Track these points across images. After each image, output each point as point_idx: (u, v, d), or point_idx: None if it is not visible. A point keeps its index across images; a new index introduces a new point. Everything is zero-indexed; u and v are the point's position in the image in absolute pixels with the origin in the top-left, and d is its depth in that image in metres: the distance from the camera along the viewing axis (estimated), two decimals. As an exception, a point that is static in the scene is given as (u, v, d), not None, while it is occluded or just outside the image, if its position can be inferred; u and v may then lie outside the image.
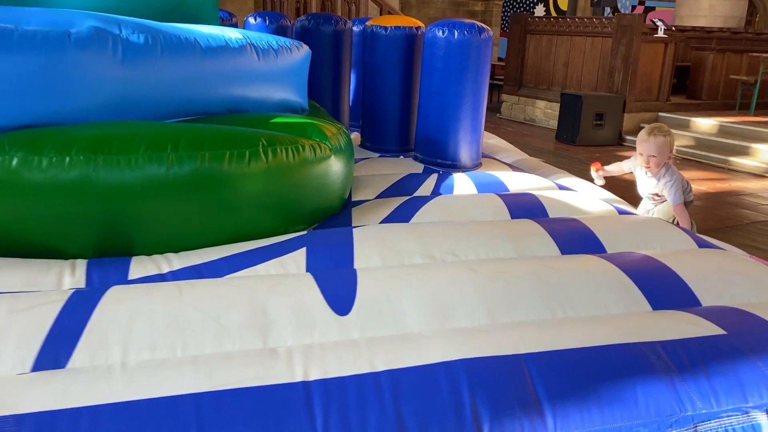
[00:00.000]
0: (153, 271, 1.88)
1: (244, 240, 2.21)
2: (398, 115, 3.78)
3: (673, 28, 8.61)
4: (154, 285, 1.71)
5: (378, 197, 2.89)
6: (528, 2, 16.27)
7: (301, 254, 2.02)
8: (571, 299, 1.81)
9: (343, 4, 7.59)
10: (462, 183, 3.09)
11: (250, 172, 2.15)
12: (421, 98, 3.53)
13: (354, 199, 2.87)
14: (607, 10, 12.92)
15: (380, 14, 7.91)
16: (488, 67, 3.44)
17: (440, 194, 2.96)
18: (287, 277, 1.81)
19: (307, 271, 1.97)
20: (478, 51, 3.34)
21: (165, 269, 1.90)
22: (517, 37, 9.87)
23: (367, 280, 1.78)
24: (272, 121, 2.52)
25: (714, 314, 1.73)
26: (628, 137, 7.97)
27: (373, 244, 2.11)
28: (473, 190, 3.04)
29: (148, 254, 2.05)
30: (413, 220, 2.52)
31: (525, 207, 2.71)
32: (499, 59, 14.22)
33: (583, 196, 2.94)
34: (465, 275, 1.84)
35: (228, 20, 4.34)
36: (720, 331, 1.61)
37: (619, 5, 14.47)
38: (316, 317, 1.60)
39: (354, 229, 2.20)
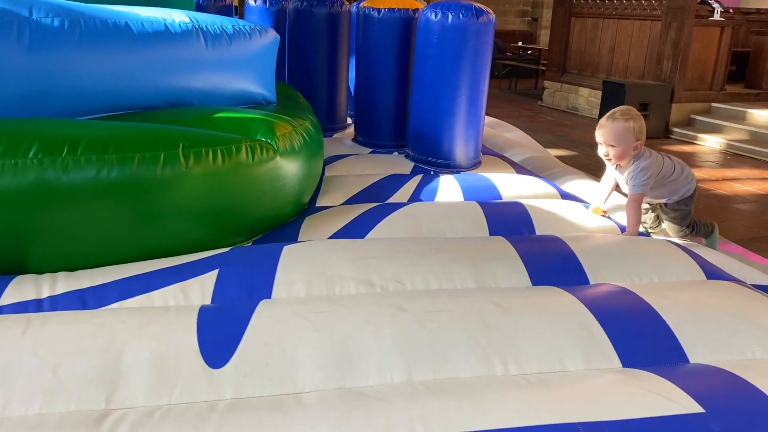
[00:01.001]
0: (30, 296, 1.61)
1: (169, 254, 1.93)
2: (392, 107, 3.42)
3: (731, 11, 7.88)
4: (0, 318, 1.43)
5: (345, 203, 2.56)
6: (582, -17, 15.44)
7: (210, 278, 1.72)
8: (518, 350, 1.45)
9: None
10: (447, 187, 2.73)
11: (165, 177, 1.86)
12: (414, 89, 3.16)
13: (319, 204, 2.56)
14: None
15: None
16: (488, 54, 3.05)
17: (419, 200, 2.61)
18: (166, 312, 1.51)
19: (212, 299, 1.67)
20: (476, 36, 2.95)
21: (45, 293, 1.63)
22: (561, 20, 9.27)
23: (261, 319, 1.46)
24: (213, 116, 2.22)
25: (695, 380, 1.35)
26: (676, 129, 7.35)
27: (301, 266, 1.79)
28: (458, 196, 2.67)
29: (46, 271, 1.79)
30: (372, 233, 2.18)
31: (508, 221, 2.33)
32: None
33: (581, 209, 2.53)
34: (387, 315, 1.50)
35: (221, 1, 4.05)
36: (695, 408, 1.23)
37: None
38: (181, 370, 1.30)
39: (284, 247, 1.88)
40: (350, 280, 1.75)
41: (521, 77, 12.12)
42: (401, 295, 1.65)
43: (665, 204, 2.64)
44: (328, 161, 3.11)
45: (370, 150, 3.46)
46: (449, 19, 2.91)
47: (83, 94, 2.09)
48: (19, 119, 1.88)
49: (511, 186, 2.81)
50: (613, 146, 2.39)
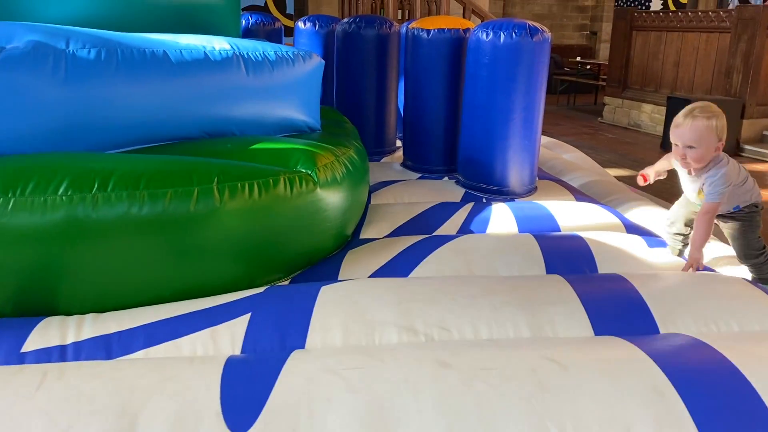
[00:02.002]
0: (54, 342, 1.53)
1: (203, 294, 1.83)
2: (442, 130, 3.28)
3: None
4: (17, 369, 1.35)
5: (391, 234, 2.42)
6: (644, -5, 15.03)
7: (241, 323, 1.61)
8: (577, 417, 1.27)
9: (422, 3, 7.13)
10: (500, 217, 2.56)
11: (199, 213, 1.76)
12: (464, 112, 3.01)
13: (363, 235, 2.43)
14: (734, 0, 11.57)
15: (463, 13, 7.38)
16: (544, 75, 2.87)
17: (469, 232, 2.45)
18: (191, 364, 1.39)
19: (243, 347, 1.55)
20: (530, 56, 2.78)
21: (70, 339, 1.55)
22: (622, 34, 8.94)
23: (291, 375, 1.33)
24: (252, 147, 2.12)
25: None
26: (747, 146, 6.93)
27: (338, 310, 1.66)
28: (512, 227, 2.50)
29: (76, 312, 1.72)
30: (417, 270, 2.03)
31: (567, 257, 2.14)
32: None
33: (646, 244, 2.31)
34: (429, 373, 1.34)
35: (270, 24, 4.01)
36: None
37: (749, -5, 12.97)
38: (199, 434, 1.18)
39: (322, 288, 1.76)
40: (391, 327, 1.61)
41: (580, 93, 11.79)
42: (446, 347, 1.49)
43: (731, 215, 2.33)
44: (374, 188, 3.00)
45: (419, 175, 3.32)
46: (501, 39, 2.75)
47: (120, 126, 2.03)
48: (51, 154, 1.83)
49: (569, 215, 2.61)
50: (692, 147, 2.13)
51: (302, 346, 1.56)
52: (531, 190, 3.04)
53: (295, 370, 1.36)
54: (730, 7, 8.45)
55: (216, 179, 1.80)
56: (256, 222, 1.89)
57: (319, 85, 2.66)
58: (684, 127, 2.13)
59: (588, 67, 12.50)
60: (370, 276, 2.00)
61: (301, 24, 4.22)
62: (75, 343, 1.53)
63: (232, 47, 2.27)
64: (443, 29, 3.13)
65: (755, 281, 2.24)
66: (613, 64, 9.26)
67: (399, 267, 2.04)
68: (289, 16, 12.78)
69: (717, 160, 2.19)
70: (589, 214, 2.66)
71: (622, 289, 1.81)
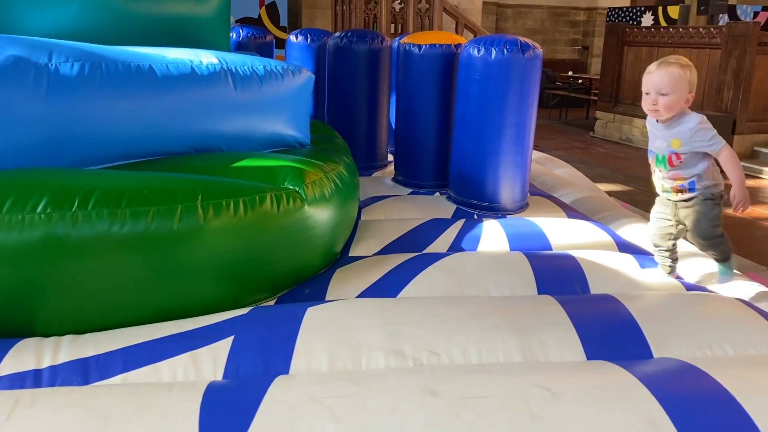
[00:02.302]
0: (29, 365, 1.48)
1: (185, 314, 1.78)
2: (434, 146, 3.25)
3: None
4: (-12, 399, 1.30)
5: (380, 252, 2.38)
6: (636, 11, 15.16)
7: (224, 347, 1.56)
8: (570, 449, 1.22)
9: (415, 17, 7.13)
10: (491, 234, 2.52)
11: (182, 232, 1.72)
12: (456, 128, 2.99)
13: (353, 253, 2.39)
14: (724, 17, 11.65)
15: (456, 28, 7.39)
16: (535, 91, 2.85)
17: (460, 249, 2.41)
18: (169, 391, 1.34)
19: (225, 372, 1.50)
20: (522, 72, 2.76)
21: (46, 362, 1.49)
22: (614, 50, 8.98)
23: (273, 404, 1.29)
24: (239, 163, 2.08)
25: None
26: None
27: (324, 333, 1.61)
28: (503, 245, 2.46)
29: (54, 333, 1.67)
30: (406, 290, 1.99)
31: (558, 276, 2.11)
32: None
33: (638, 263, 2.28)
34: (416, 402, 1.30)
35: (261, 37, 3.99)
36: None
37: (738, 12, 13.07)
38: (176, 468, 1.13)
39: (308, 309, 1.71)
40: (379, 351, 1.57)
41: (572, 107, 11.81)
42: (435, 373, 1.45)
43: (690, 196, 2.14)
44: (365, 203, 2.96)
45: (410, 190, 3.29)
46: (493, 55, 2.73)
47: (104, 141, 1.99)
48: (31, 170, 1.78)
49: (561, 233, 2.58)
50: (664, 95, 2.04)
51: (286, 371, 1.52)
52: (522, 207, 3.01)
53: (277, 397, 1.31)
54: (721, 23, 8.50)
55: (200, 197, 1.76)
56: (242, 240, 1.85)
57: (309, 100, 2.63)
58: (657, 74, 2.07)
59: (580, 81, 12.55)
60: (358, 296, 1.96)
61: (293, 37, 4.20)
62: (51, 367, 1.48)
63: (220, 61, 2.23)
64: (435, 44, 3.11)
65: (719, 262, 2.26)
66: (604, 79, 9.29)
67: (388, 286, 2.00)
68: (282, 29, 12.79)
69: (687, 113, 2.10)
70: (580, 231, 2.63)
71: (615, 312, 1.78)
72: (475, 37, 7.35)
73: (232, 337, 1.59)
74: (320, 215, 2.05)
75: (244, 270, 1.89)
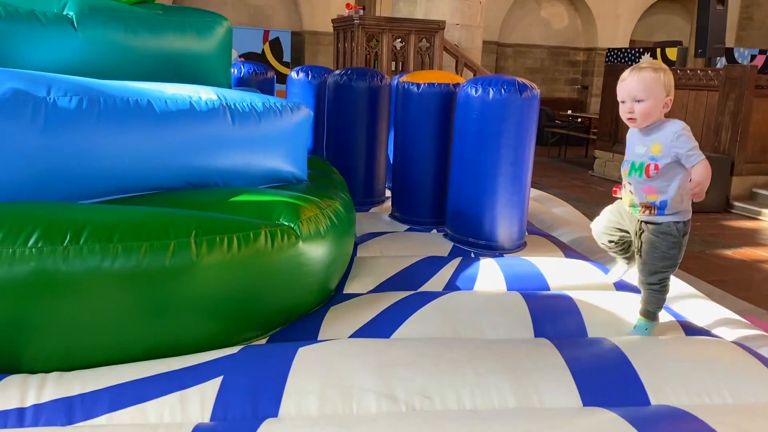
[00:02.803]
0: (13, 403, 1.45)
1: (176, 352, 1.76)
2: (431, 183, 3.25)
3: (794, 80, 7.53)
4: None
5: (375, 289, 2.36)
6: (634, 53, 15.40)
7: (212, 387, 1.53)
8: (565, 500, 1.19)
9: (415, 56, 7.22)
10: (488, 274, 2.50)
11: (175, 268, 1.70)
12: (453, 166, 2.99)
13: (347, 290, 2.36)
14: (721, 60, 11.81)
15: (456, 67, 7.48)
16: (532, 131, 2.86)
17: (456, 289, 2.39)
18: (154, 435, 1.31)
19: (213, 414, 1.47)
20: (519, 112, 2.77)
21: (30, 401, 1.46)
22: (611, 89, 9.06)
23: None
24: (234, 199, 2.07)
25: None
26: (737, 203, 6.95)
27: (315, 374, 1.58)
28: (500, 285, 2.44)
29: (41, 369, 1.64)
30: (400, 331, 1.96)
31: (556, 318, 2.08)
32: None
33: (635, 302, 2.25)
34: (407, 449, 1.27)
35: (262, 74, 4.02)
36: None
37: (735, 54, 13.26)
38: None
39: (299, 350, 1.68)
40: (370, 394, 1.53)
41: (570, 145, 11.89)
42: (427, 419, 1.42)
43: (656, 220, 2.00)
44: (361, 239, 2.94)
45: (407, 227, 3.28)
46: (490, 95, 2.75)
47: (100, 175, 1.98)
48: (24, 203, 1.77)
49: (559, 273, 2.56)
50: (640, 101, 1.92)
51: (275, 413, 1.48)
52: (520, 246, 3.00)
53: (264, 443, 1.28)
54: (718, 66, 8.61)
55: (194, 232, 1.75)
56: (235, 277, 1.83)
57: (307, 137, 2.63)
58: (630, 80, 1.96)
59: (579, 120, 12.66)
60: (351, 336, 1.93)
61: (294, 74, 4.23)
62: (35, 406, 1.45)
63: (219, 98, 2.24)
64: (433, 83, 3.14)
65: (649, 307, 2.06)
66: (603, 118, 9.37)
67: (381, 327, 1.97)
68: (285, 64, 12.96)
69: (669, 119, 1.97)
70: (578, 272, 2.61)
71: (612, 356, 1.75)
72: (474, 75, 7.44)
73: (221, 378, 1.56)
74: (315, 252, 2.03)
75: (237, 307, 1.87)
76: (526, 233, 3.28)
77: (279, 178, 2.48)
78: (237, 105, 2.27)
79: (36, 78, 1.92)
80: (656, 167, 1.93)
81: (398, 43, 7.22)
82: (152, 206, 1.95)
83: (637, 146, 2.02)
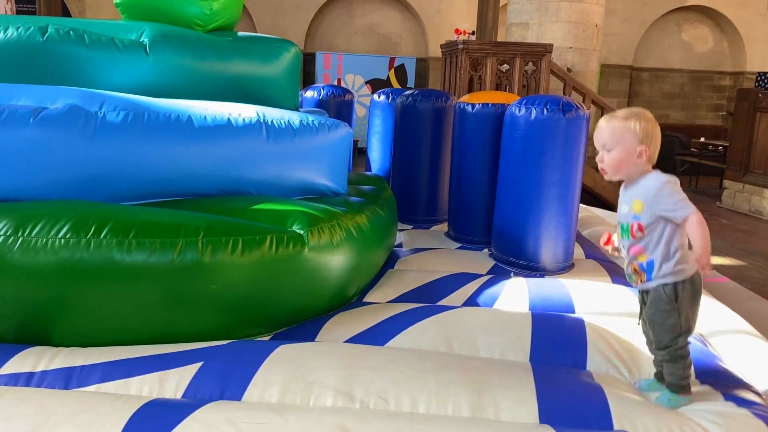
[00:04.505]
0: (27, 368, 1.70)
1: (180, 340, 1.95)
2: (484, 203, 3.26)
3: None
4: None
5: (394, 300, 2.43)
6: (789, 75, 14.08)
7: (191, 370, 1.70)
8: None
9: (520, 79, 7.17)
10: (513, 293, 2.49)
11: (181, 264, 1.90)
12: (499, 185, 3.00)
13: (368, 299, 2.46)
14: None
15: (563, 91, 7.31)
16: (579, 151, 2.81)
17: (475, 305, 2.40)
18: (113, 402, 1.49)
19: (185, 392, 1.63)
20: (563, 132, 2.74)
21: (40, 367, 1.71)
22: (745, 116, 8.39)
23: (193, 422, 1.39)
24: (256, 206, 2.26)
25: None
26: None
27: (284, 369, 1.70)
28: (523, 305, 2.41)
29: (66, 344, 1.90)
30: (394, 340, 2.02)
31: (556, 344, 2.03)
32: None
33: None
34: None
35: (340, 96, 4.24)
36: None
37: None
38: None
39: (280, 346, 1.81)
40: (329, 390, 1.62)
41: (703, 175, 11.10)
42: (358, 414, 1.48)
43: (647, 285, 1.76)
44: (404, 254, 3.03)
45: (459, 245, 3.31)
46: (533, 115, 2.74)
47: (139, 180, 2.25)
48: (65, 201, 2.06)
49: (590, 298, 2.48)
50: (609, 150, 1.77)
51: (239, 398, 1.62)
52: (565, 268, 2.93)
53: (200, 417, 1.41)
54: None
55: (202, 233, 1.94)
56: (239, 277, 1.99)
57: (346, 152, 2.78)
58: (601, 128, 1.81)
59: (710, 147, 11.79)
60: (347, 341, 2.02)
61: (376, 96, 4.42)
62: (42, 372, 1.69)
63: (257, 115, 2.45)
64: (488, 104, 3.17)
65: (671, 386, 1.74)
66: (734, 146, 8.69)
67: (377, 335, 2.04)
68: (410, 89, 13.33)
69: (650, 172, 1.78)
70: (613, 298, 2.51)
71: (586, 383, 1.70)
72: (584, 99, 7.25)
73: (200, 363, 1.72)
74: (323, 260, 2.16)
75: (241, 305, 2.04)
76: (584, 257, 3.19)
77: (313, 190, 2.64)
78: (274, 122, 2.47)
79: (93, 96, 2.23)
80: (640, 227, 1.73)
81: (504, 68, 7.22)
82: (182, 210, 2.18)
83: (622, 205, 1.82)
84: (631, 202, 1.77)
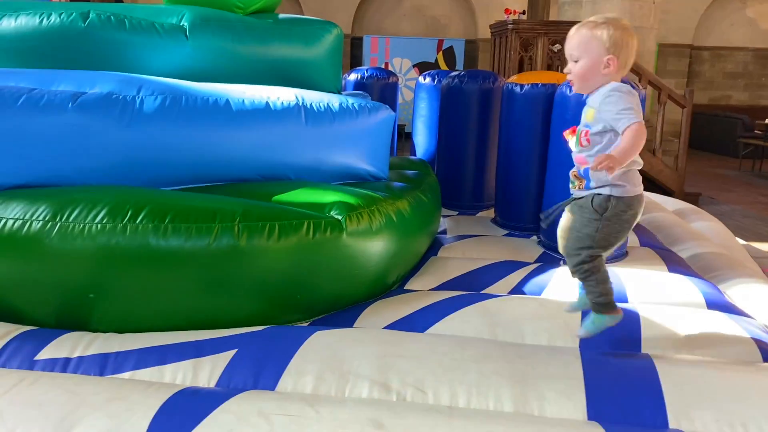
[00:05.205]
0: (64, 353, 1.70)
1: (216, 326, 1.93)
2: (533, 188, 3.14)
3: None
4: (5, 372, 1.52)
5: (436, 288, 2.35)
6: None
7: (224, 358, 1.66)
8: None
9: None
10: (562, 282, 2.37)
11: (217, 250, 1.87)
12: (548, 170, 2.87)
13: (409, 286, 2.39)
14: None
15: (618, 70, 6.99)
16: (633, 133, 2.65)
17: (521, 293, 2.30)
18: (145, 389, 1.47)
19: (219, 381, 1.60)
20: (617, 113, 2.58)
21: (77, 353, 1.71)
22: (814, 94, 7.92)
23: (224, 413, 1.36)
24: (294, 191, 2.21)
25: None
26: None
27: (318, 357, 1.65)
28: (572, 294, 2.29)
29: (103, 330, 1.89)
30: (435, 327, 1.95)
31: (607, 332, 1.92)
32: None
33: (713, 323, 2.00)
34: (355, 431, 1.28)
35: (384, 79, 4.16)
36: None
37: None
38: (114, 455, 1.23)
39: (314, 334, 1.76)
40: (365, 381, 1.56)
41: (768, 158, 10.57)
42: (393, 408, 1.42)
43: (582, 193, 1.72)
44: (448, 241, 2.94)
45: (506, 232, 3.19)
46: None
47: (177, 165, 2.23)
48: (102, 186, 2.06)
49: (643, 288, 2.35)
50: (576, 61, 1.66)
51: (273, 387, 1.57)
52: (618, 257, 2.78)
53: (231, 408, 1.37)
54: None
55: (238, 218, 1.91)
56: (276, 263, 1.95)
57: (388, 136, 2.70)
58: (569, 37, 1.70)
59: (782, 129, 11.20)
60: (386, 327, 1.96)
61: (421, 78, 4.32)
62: (79, 358, 1.69)
63: (296, 98, 2.39)
64: (537, 84, 3.03)
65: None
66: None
67: (417, 322, 1.97)
68: (457, 71, 13.12)
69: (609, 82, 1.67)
70: (669, 287, 2.37)
71: (640, 372, 1.59)
72: (639, 80, 6.95)
73: (235, 350, 1.69)
74: (362, 246, 2.10)
75: (278, 290, 2.00)
76: (639, 245, 3.04)
77: (353, 175, 2.58)
78: (313, 105, 2.41)
79: (131, 80, 2.21)
80: (586, 134, 1.67)
81: (555, 48, 6.99)
82: (220, 195, 2.15)
83: (582, 116, 1.75)
84: (586, 110, 1.71)
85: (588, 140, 1.68)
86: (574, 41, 1.68)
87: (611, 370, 1.62)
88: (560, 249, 1.83)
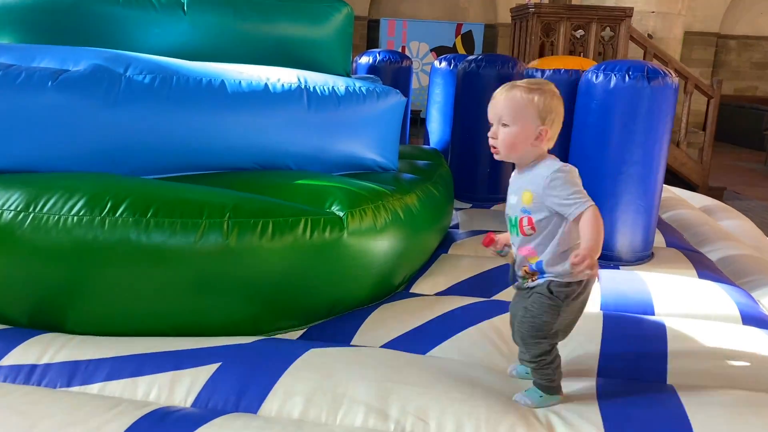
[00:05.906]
0: (30, 360, 1.54)
1: (203, 333, 1.76)
2: (552, 182, 2.92)
3: None
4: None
5: (445, 291, 2.16)
6: None
7: (206, 372, 1.49)
8: None
9: (596, 45, 6.63)
10: (582, 288, 2.17)
11: (203, 248, 1.69)
12: (570, 161, 2.64)
13: (415, 289, 2.21)
14: None
15: (644, 58, 6.73)
16: (665, 125, 2.44)
17: (538, 301, 2.11)
18: (108, 411, 1.30)
19: (196, 398, 1.43)
20: (648, 103, 2.39)
21: (45, 359, 1.54)
22: None
23: (193, 444, 1.17)
24: (291, 183, 2.03)
25: None
26: None
27: (311, 377, 1.47)
28: (594, 304, 2.09)
29: (80, 332, 1.73)
30: (438, 349, 1.74)
31: (631, 350, 1.73)
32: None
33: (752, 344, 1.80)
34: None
35: (397, 62, 3.94)
36: None
37: None
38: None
39: (309, 350, 1.58)
40: (360, 406, 1.38)
41: (799, 152, 10.22)
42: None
43: (537, 283, 1.49)
44: (461, 237, 2.75)
45: (522, 229, 2.99)
46: (612, 82, 2.39)
47: (167, 151, 2.05)
48: (82, 174, 1.88)
49: (672, 296, 2.14)
50: (505, 125, 1.47)
51: (256, 409, 1.40)
52: (644, 258, 2.58)
53: (204, 437, 1.20)
54: None
55: (228, 214, 1.73)
56: (268, 264, 1.77)
57: (398, 124, 2.50)
58: (499, 98, 1.50)
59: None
60: (386, 344, 1.77)
61: (437, 63, 4.10)
62: (45, 365, 1.53)
63: (298, 80, 2.20)
64: (560, 70, 2.82)
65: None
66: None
67: (423, 338, 1.78)
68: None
69: (543, 157, 1.51)
70: (700, 296, 2.16)
71: (664, 404, 1.40)
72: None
73: (218, 365, 1.51)
74: (365, 246, 1.91)
75: (270, 295, 1.82)
76: (665, 245, 2.83)
77: (359, 165, 2.38)
78: (317, 88, 2.21)
79: (118, 57, 2.03)
80: (530, 222, 1.47)
81: (578, 33, 6.71)
82: (213, 185, 1.97)
83: (510, 195, 1.55)
84: (520, 193, 1.50)
85: (533, 228, 1.47)
86: (506, 104, 1.48)
87: (631, 402, 1.43)
88: (514, 338, 1.60)
